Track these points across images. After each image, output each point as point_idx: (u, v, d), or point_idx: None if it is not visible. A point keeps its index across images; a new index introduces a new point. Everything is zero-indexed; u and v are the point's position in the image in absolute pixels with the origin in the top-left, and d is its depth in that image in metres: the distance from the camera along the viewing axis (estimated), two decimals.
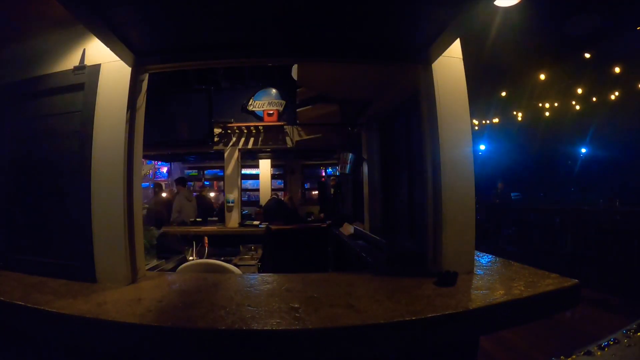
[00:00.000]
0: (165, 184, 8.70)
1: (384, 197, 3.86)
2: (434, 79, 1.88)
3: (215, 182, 10.26)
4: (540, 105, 9.42)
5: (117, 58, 1.78)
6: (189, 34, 1.81)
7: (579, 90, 8.19)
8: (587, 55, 6.84)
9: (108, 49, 1.71)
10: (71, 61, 1.92)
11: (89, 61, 1.88)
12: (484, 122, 10.88)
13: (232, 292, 1.62)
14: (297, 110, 4.92)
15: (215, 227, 5.35)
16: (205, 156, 8.27)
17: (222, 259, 3.11)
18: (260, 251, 4.33)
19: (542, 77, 7.45)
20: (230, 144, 5.73)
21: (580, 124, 10.20)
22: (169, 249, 3.09)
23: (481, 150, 13.33)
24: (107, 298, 1.49)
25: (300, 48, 1.95)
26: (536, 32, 5.53)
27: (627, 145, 9.85)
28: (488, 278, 1.67)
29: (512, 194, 9.29)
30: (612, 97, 8.26)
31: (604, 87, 8.02)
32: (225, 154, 5.72)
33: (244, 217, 5.93)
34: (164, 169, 9.43)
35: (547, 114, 9.65)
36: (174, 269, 2.52)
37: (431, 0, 1.50)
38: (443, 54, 1.82)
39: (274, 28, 1.78)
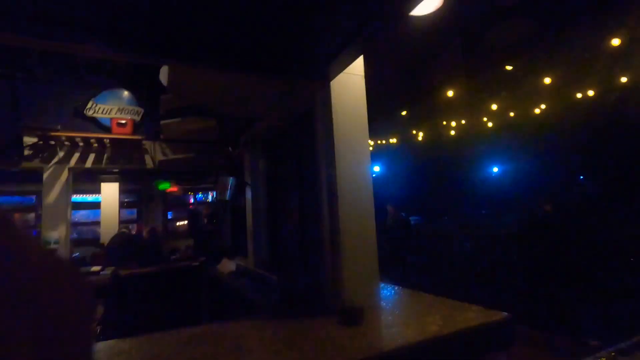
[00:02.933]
0: None
1: (270, 226, 3.75)
2: (332, 97, 1.94)
3: (16, 214, 7.95)
4: (445, 123, 10.00)
5: None
6: None
7: (493, 106, 8.76)
8: (508, 68, 7.39)
9: None
10: None
11: None
12: (379, 142, 11.61)
13: None
14: (161, 122, 4.39)
15: None
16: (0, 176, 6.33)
17: None
18: (99, 309, 3.48)
19: (451, 93, 7.96)
20: (55, 160, 4.58)
21: (492, 141, 10.61)
22: None
23: (375, 172, 13.48)
24: None
25: (171, 45, 1.68)
26: (450, 44, 6.06)
27: (540, 162, 10.29)
28: (398, 313, 1.72)
29: (411, 218, 9.26)
30: (529, 111, 8.61)
31: (519, 101, 8.56)
32: (45, 175, 4.52)
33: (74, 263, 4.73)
34: None
35: (452, 132, 10.18)
36: None
37: (336, 9, 1.50)
38: (344, 71, 1.90)
39: (136, 17, 1.47)
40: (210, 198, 8.89)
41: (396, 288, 2.20)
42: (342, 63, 1.87)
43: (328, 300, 1.88)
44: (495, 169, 13.27)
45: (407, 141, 11.76)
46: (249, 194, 3.99)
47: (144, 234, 6.23)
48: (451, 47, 6.49)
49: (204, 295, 4.63)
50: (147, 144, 5.04)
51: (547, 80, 7.70)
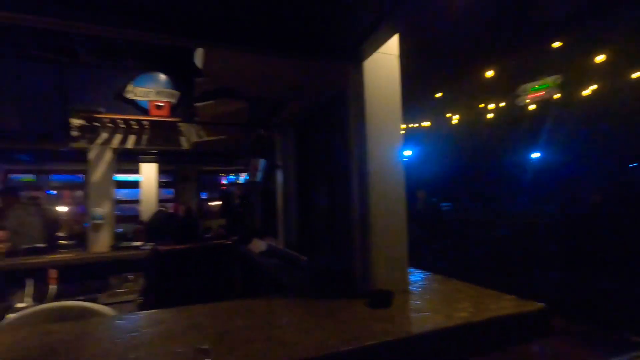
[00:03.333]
0: None
1: (300, 208, 3.80)
2: (364, 78, 1.89)
3: (66, 191, 8.55)
4: (483, 105, 9.29)
5: None
6: None
7: (535, 87, 7.96)
8: (556, 44, 6.65)
9: None
10: None
11: None
12: (411, 125, 11.06)
13: (107, 342, 1.29)
14: (196, 104, 4.49)
15: (70, 255, 4.37)
16: (50, 155, 6.80)
17: (81, 298, 2.53)
18: (141, 281, 3.73)
19: (490, 73, 7.33)
20: (99, 141, 4.85)
21: (533, 126, 9.75)
22: None
23: (406, 157, 12.57)
24: None
25: (206, 28, 1.69)
26: (491, 22, 5.37)
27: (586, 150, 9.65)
28: (427, 298, 1.71)
29: (442, 204, 8.94)
30: (580, 93, 7.85)
31: (569, 81, 7.75)
32: (91, 155, 4.81)
33: (117, 238, 5.07)
34: None
35: (490, 115, 9.44)
36: None
37: None
38: (378, 50, 1.84)
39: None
40: (242, 179, 9.13)
41: (426, 273, 2.18)
42: (375, 43, 1.81)
43: (357, 283, 1.90)
44: (536, 155, 12.43)
45: (441, 125, 11.19)
46: (279, 175, 4.05)
47: (181, 212, 6.53)
48: (492, 23, 6.03)
49: (235, 272, 4.82)
50: (183, 126, 5.22)
51: (599, 59, 7.02)
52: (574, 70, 7.76)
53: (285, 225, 3.88)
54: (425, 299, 1.69)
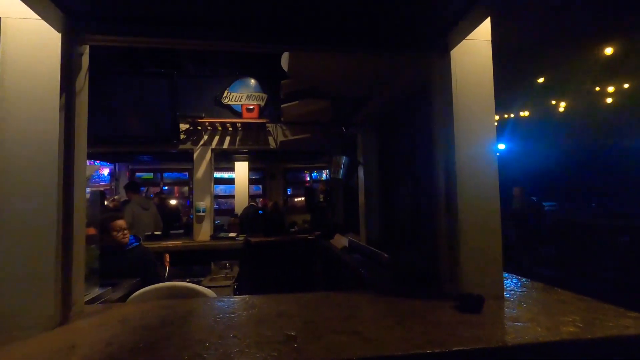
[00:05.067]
0: (106, 189, 8.05)
1: (383, 205, 3.76)
2: (452, 69, 1.78)
3: (176, 187, 9.87)
4: (598, 89, 7.77)
5: (33, 15, 1.42)
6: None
7: None
8: None
9: None
10: None
11: None
12: (505, 116, 10.03)
13: (211, 320, 1.46)
14: (282, 105, 4.77)
15: (180, 242, 5.07)
16: (164, 156, 7.90)
17: (188, 280, 2.90)
18: (236, 269, 4.11)
19: (609, 51, 6.06)
20: (201, 142, 5.49)
21: None
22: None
23: (500, 150, 10.94)
24: (13, 354, 1.17)
25: (292, 32, 1.77)
26: None
27: None
28: (525, 307, 1.54)
29: (544, 203, 8.03)
30: None
31: None
32: (195, 155, 5.47)
33: (216, 229, 5.68)
34: (105, 171, 8.56)
35: (608, 100, 7.90)
36: (123, 299, 2.25)
37: None
38: (467, 37, 1.71)
39: (259, 5, 1.61)
40: (324, 176, 9.39)
41: (523, 280, 1.96)
42: (464, 29, 1.68)
43: (443, 284, 1.81)
44: None
45: (544, 113, 9.70)
46: (361, 172, 4.07)
47: (269, 207, 7.01)
48: None
49: (318, 265, 5.00)
50: (270, 126, 5.59)
51: None
52: None
53: (367, 222, 3.88)
54: (522, 308, 1.52)
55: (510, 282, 1.92)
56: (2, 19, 1.47)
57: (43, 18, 1.46)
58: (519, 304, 1.58)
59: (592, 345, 1.19)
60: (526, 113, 9.40)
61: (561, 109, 8.80)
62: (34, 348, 1.23)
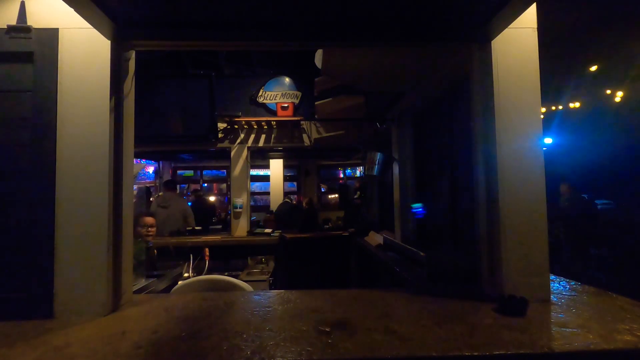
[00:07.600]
0: (152, 186, 8.48)
1: (419, 202, 3.67)
2: (493, 59, 1.70)
3: (215, 184, 10.23)
4: None
5: (86, 24, 1.54)
6: (187, 4, 1.63)
7: None
8: None
9: (70, 8, 1.44)
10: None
11: (34, 22, 1.59)
12: (553, 108, 9.42)
13: (248, 313, 1.51)
14: (316, 103, 4.79)
15: (219, 237, 5.26)
16: (203, 154, 8.19)
17: (227, 274, 3.02)
18: (271, 264, 4.21)
19: None
20: (238, 141, 5.66)
21: None
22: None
23: (546, 145, 10.30)
24: (71, 337, 1.28)
25: (326, 29, 1.76)
26: None
27: None
28: (574, 312, 1.44)
29: (597, 202, 7.50)
30: None
31: None
32: (232, 153, 5.65)
33: (252, 225, 5.83)
34: (150, 169, 9.02)
35: None
36: (167, 290, 2.39)
37: None
38: (510, 25, 1.62)
39: (292, 4, 1.62)
40: (359, 173, 9.32)
41: (572, 283, 1.84)
42: (506, 17, 1.59)
43: (483, 285, 1.74)
44: None
45: (597, 104, 8.93)
46: (396, 169, 3.99)
47: (303, 204, 7.08)
48: None
49: (352, 263, 4.99)
50: (305, 124, 5.63)
51: None
52: None
53: (402, 219, 3.81)
54: (571, 313, 1.42)
55: (558, 285, 1.80)
56: (59, 30, 1.61)
57: (95, 27, 1.57)
58: (568, 308, 1.48)
59: None
60: (577, 104, 8.71)
61: (617, 99, 8.07)
62: (89, 332, 1.34)
